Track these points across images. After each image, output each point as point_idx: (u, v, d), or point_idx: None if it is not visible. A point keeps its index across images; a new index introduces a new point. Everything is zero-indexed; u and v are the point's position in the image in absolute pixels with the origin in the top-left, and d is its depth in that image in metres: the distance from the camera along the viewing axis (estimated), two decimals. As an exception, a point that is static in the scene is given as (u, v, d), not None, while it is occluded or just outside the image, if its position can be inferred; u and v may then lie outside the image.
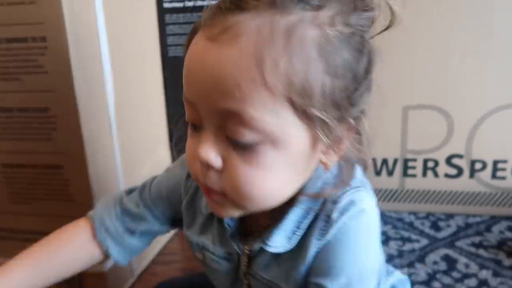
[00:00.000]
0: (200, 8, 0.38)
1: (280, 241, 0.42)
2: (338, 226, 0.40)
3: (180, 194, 0.52)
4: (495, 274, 0.80)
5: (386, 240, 0.92)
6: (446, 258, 0.85)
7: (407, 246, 0.90)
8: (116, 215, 0.54)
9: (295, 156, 0.38)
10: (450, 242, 0.91)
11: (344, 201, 0.41)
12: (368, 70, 0.38)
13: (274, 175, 0.38)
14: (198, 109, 0.38)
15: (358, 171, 0.43)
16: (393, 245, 0.90)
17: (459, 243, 0.90)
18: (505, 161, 0.96)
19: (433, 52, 0.92)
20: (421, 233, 0.94)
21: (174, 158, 1.00)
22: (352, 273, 0.41)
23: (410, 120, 0.96)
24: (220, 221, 0.47)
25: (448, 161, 0.98)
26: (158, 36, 0.92)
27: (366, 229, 0.42)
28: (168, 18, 0.92)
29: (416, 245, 0.90)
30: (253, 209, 0.40)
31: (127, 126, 0.79)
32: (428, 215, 1.01)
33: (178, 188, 0.52)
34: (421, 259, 0.85)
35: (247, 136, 0.36)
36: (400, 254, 0.87)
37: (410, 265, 0.84)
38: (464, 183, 0.99)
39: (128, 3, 0.81)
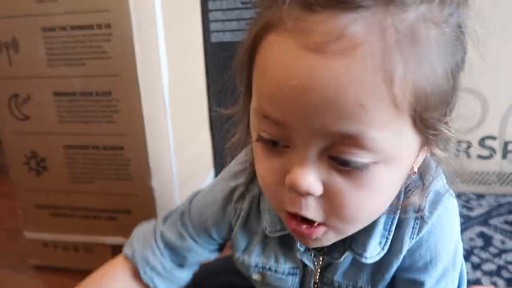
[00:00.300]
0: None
1: (375, 249, 0.40)
2: (432, 222, 0.39)
3: (229, 222, 0.49)
4: (531, 250, 0.84)
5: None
6: (482, 235, 0.89)
7: (443, 224, 0.93)
8: (161, 252, 0.51)
9: (405, 170, 0.35)
10: (484, 220, 0.94)
11: (430, 194, 0.39)
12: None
13: (383, 195, 0.34)
14: (291, 130, 0.32)
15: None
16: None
17: (492, 221, 0.93)
18: (538, 142, 0.99)
19: (468, 34, 0.93)
20: (455, 212, 0.98)
21: (214, 141, 1.04)
22: (447, 261, 0.41)
23: (444, 102, 0.99)
24: (282, 237, 0.44)
25: (481, 142, 1.01)
26: (201, 22, 0.95)
27: (454, 215, 0.41)
28: (211, 4, 0.94)
29: (451, 223, 0.93)
30: (353, 232, 0.37)
31: (177, 108, 0.83)
32: (459, 195, 1.04)
33: (225, 217, 0.49)
34: (458, 236, 0.89)
35: (363, 158, 0.31)
36: (437, 231, 0.91)
37: (448, 241, 0.87)
38: (496, 164, 1.02)
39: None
